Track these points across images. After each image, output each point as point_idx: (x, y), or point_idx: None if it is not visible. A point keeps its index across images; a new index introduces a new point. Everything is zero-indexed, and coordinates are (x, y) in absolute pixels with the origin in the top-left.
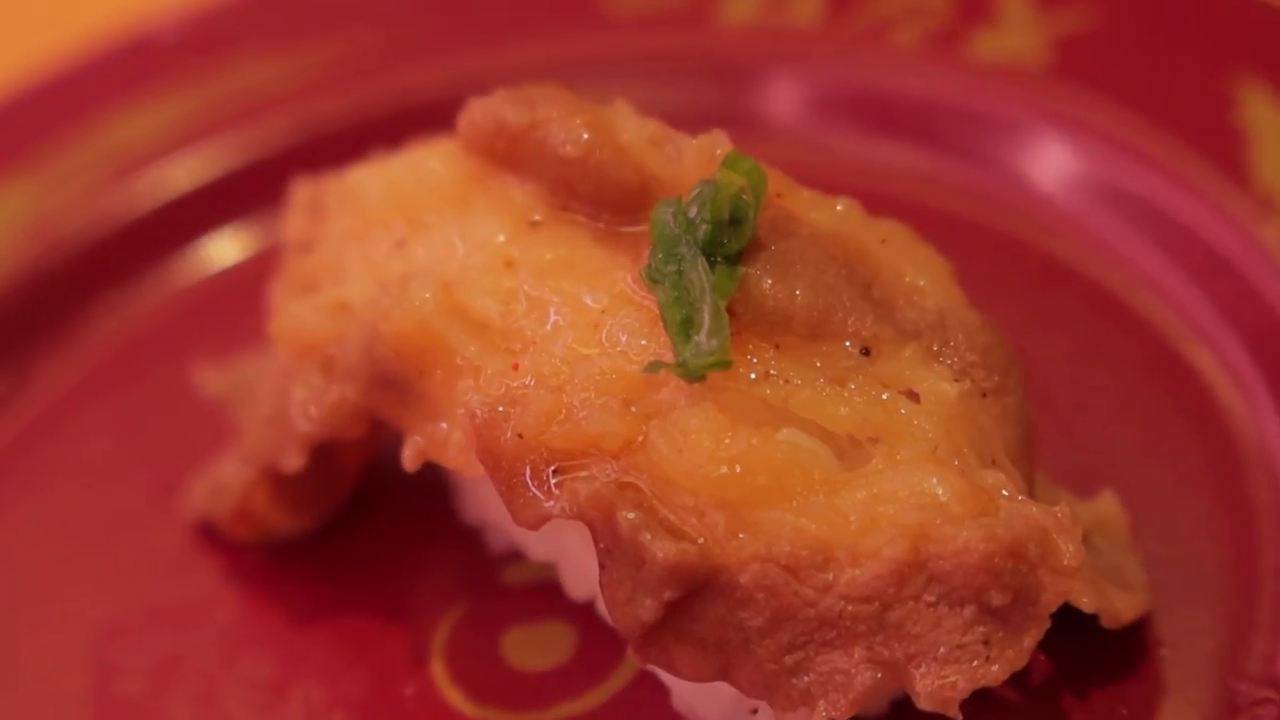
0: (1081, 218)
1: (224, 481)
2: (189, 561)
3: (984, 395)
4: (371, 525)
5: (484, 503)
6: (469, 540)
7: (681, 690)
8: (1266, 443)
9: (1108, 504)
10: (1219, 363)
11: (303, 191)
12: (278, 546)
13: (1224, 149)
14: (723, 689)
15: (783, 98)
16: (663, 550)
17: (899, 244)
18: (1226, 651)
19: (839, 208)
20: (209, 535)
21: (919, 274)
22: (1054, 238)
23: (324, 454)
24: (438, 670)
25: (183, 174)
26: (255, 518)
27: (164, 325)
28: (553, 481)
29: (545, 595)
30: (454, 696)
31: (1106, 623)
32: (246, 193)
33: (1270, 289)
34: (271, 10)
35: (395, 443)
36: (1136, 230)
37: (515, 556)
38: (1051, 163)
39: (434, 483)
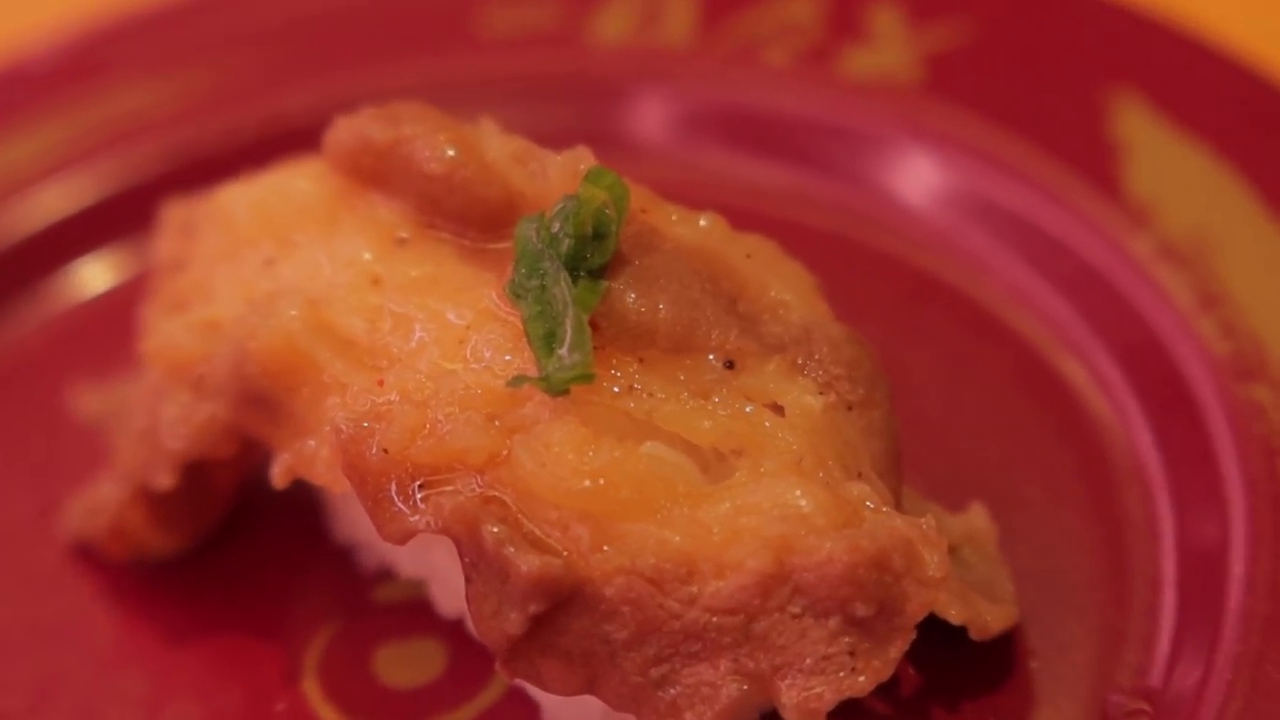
0: (952, 233)
1: (98, 501)
2: (65, 581)
3: (849, 408)
4: (246, 544)
5: (355, 521)
6: (341, 559)
7: (551, 706)
8: (1137, 454)
9: (977, 517)
10: (1090, 375)
11: (174, 212)
12: (153, 566)
13: (1096, 162)
14: (592, 703)
15: (652, 116)
16: (527, 563)
17: (764, 258)
18: (1098, 663)
19: (703, 223)
20: (85, 555)
21: (784, 288)
22: (925, 253)
23: (197, 473)
24: (310, 688)
25: (55, 200)
26: (129, 537)
27: (40, 349)
28: (418, 496)
29: (416, 612)
30: (326, 714)
31: (975, 634)
32: (120, 217)
33: (1141, 301)
34: (144, 36)
35: (268, 462)
36: (1007, 244)
37: (387, 574)
38: (922, 178)
39: (307, 501)
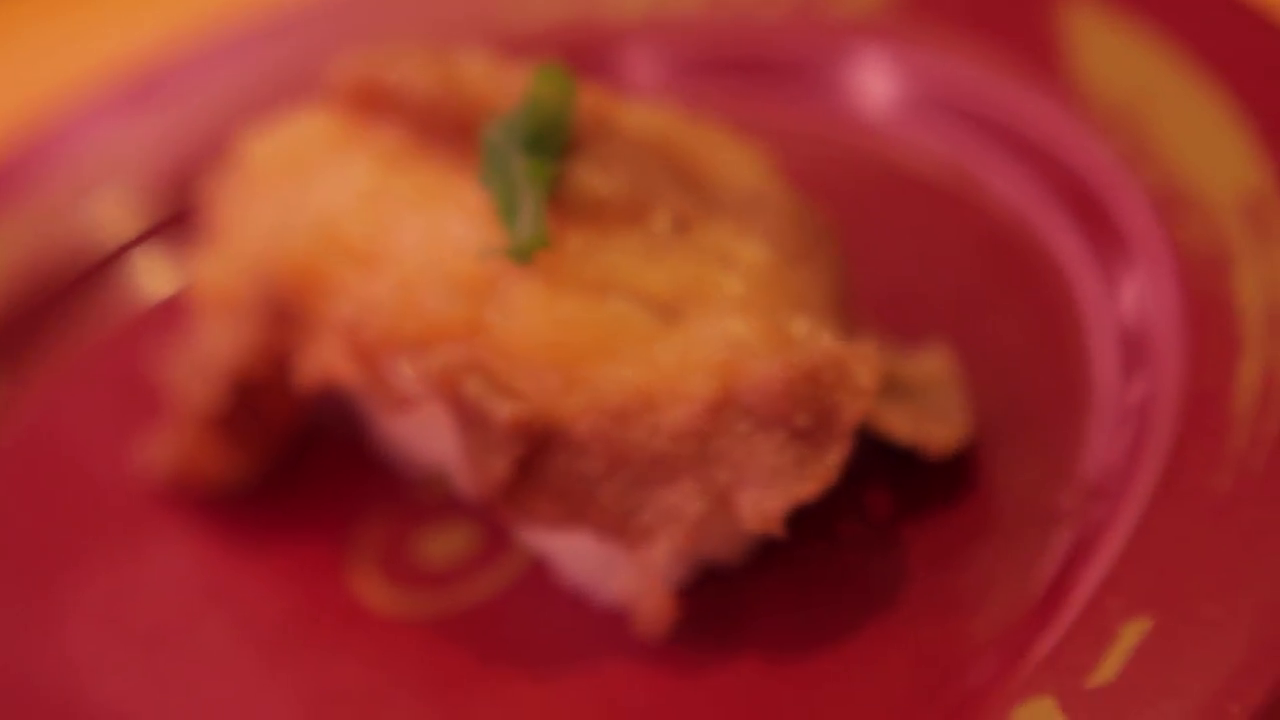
0: (920, 130)
1: (167, 438)
2: (144, 517)
3: (796, 259)
4: (304, 472)
5: (396, 431)
6: (385, 472)
7: (563, 563)
8: (1080, 296)
9: (936, 352)
10: (1045, 227)
11: (221, 179)
12: (223, 498)
13: (1044, 53)
14: (594, 553)
15: (638, 68)
16: (502, 411)
17: (719, 140)
18: (1047, 473)
19: (657, 115)
20: (162, 494)
21: (739, 164)
22: (897, 159)
23: (250, 406)
24: (360, 577)
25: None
26: (198, 467)
27: (129, 340)
28: (408, 368)
29: (451, 504)
30: (374, 596)
31: (929, 453)
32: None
33: (1082, 163)
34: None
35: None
36: (970, 135)
37: (424, 479)
38: (888, 86)
39: (355, 429)
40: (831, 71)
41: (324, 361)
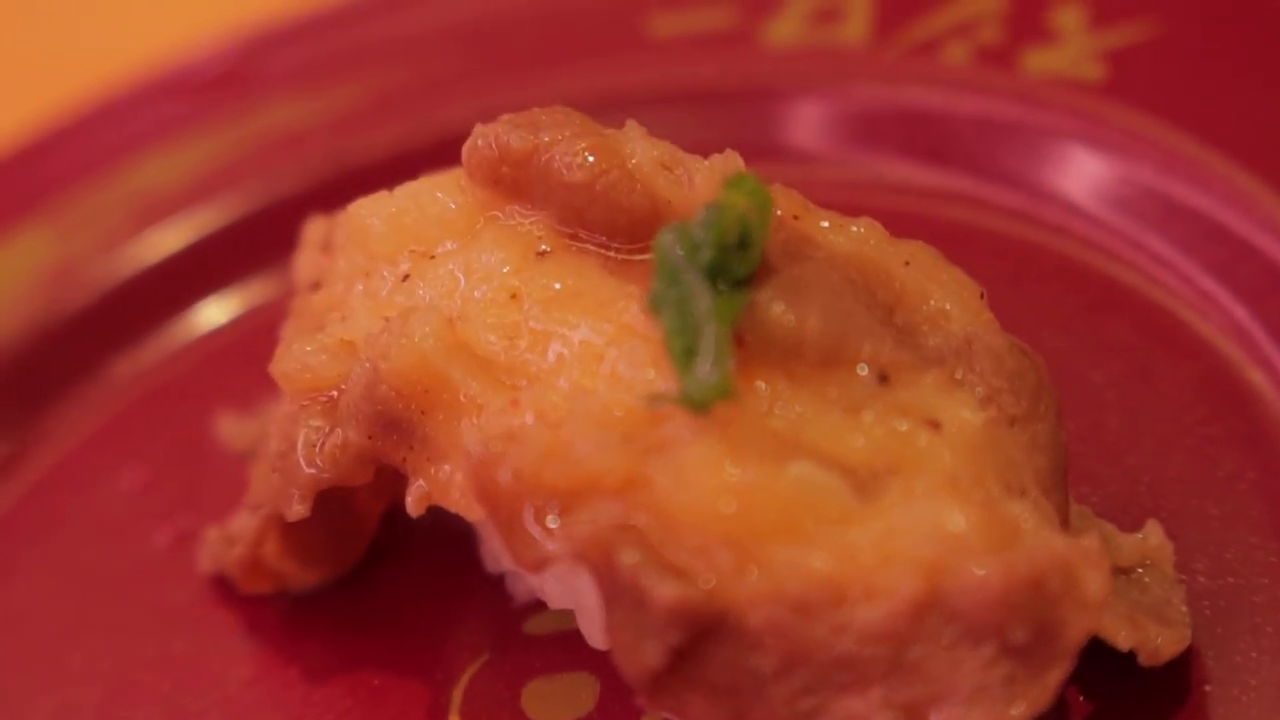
0: (1133, 238)
1: (235, 532)
2: (203, 615)
3: (1011, 423)
4: (392, 576)
5: (504, 551)
6: (491, 590)
7: None
8: None
9: (1152, 535)
10: (1275, 385)
11: (315, 229)
12: (294, 599)
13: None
14: None
15: (817, 122)
16: (664, 592)
17: (924, 266)
18: (1275, 687)
19: (857, 229)
20: (224, 589)
21: (944, 297)
22: (1105, 260)
23: (339, 501)
24: None
25: (204, 217)
26: (267, 568)
27: (186, 373)
28: (552, 523)
29: (567, 645)
30: None
31: (1145, 660)
32: (274, 235)
33: None
34: (299, 48)
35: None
36: (1189, 250)
37: (538, 606)
38: (1101, 181)
39: (457, 531)
40: (1027, 143)
41: (444, 491)
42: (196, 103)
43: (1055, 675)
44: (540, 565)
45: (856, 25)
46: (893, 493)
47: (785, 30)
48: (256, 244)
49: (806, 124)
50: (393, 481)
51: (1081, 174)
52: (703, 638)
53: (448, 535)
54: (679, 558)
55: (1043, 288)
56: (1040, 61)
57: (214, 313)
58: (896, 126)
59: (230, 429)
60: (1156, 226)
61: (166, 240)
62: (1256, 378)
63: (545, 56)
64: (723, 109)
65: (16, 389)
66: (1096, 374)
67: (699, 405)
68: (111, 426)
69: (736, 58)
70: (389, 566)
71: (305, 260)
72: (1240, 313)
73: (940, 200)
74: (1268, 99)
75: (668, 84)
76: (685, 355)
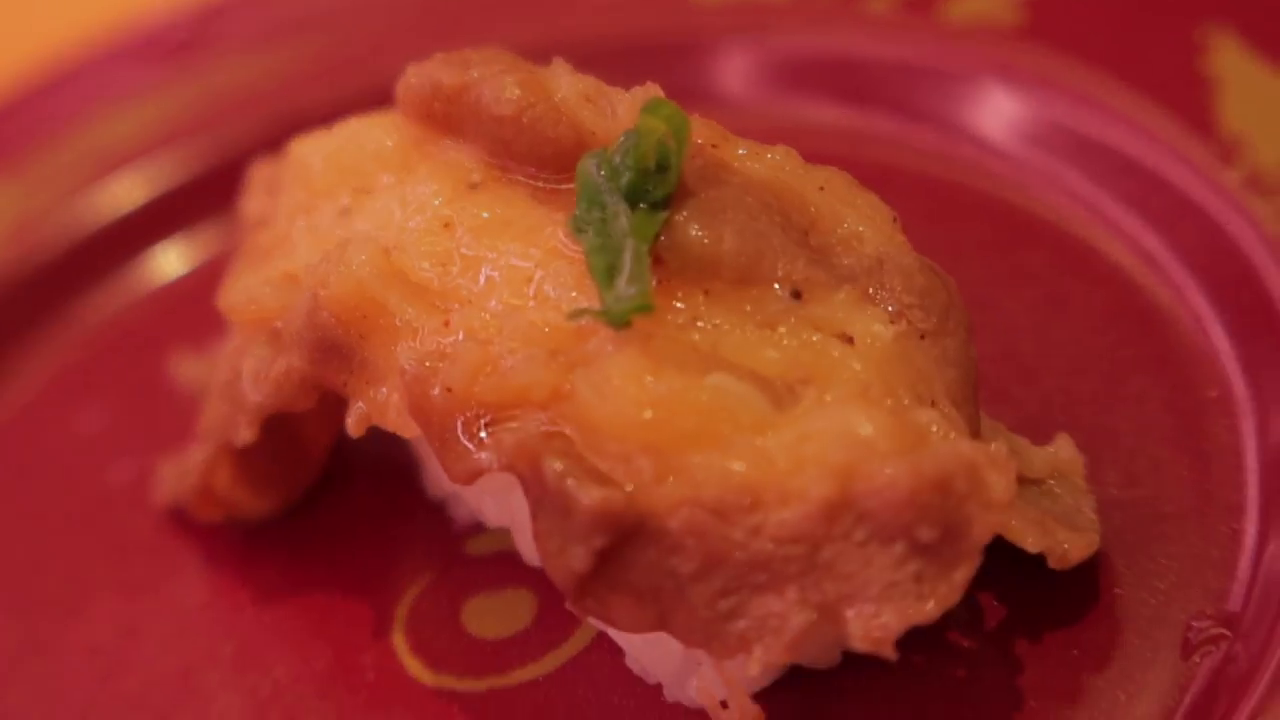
0: (1048, 172)
1: (188, 462)
2: (159, 545)
3: (921, 337)
4: (340, 505)
5: (438, 465)
6: (433, 514)
7: (634, 650)
8: (1226, 383)
9: (1063, 448)
10: (1182, 307)
11: (260, 172)
12: (248, 529)
13: (1189, 98)
14: (672, 647)
15: (741, 69)
16: (588, 497)
17: (838, 191)
18: (1180, 590)
19: (773, 156)
20: (180, 521)
21: (858, 220)
22: (1021, 193)
23: (286, 431)
24: (399, 641)
25: (159, 172)
26: (219, 497)
27: (145, 319)
28: (483, 434)
29: (506, 563)
30: (413, 665)
31: (1054, 563)
32: (227, 188)
33: (1232, 232)
34: (250, 10)
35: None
36: (1102, 182)
37: (478, 527)
38: (1017, 119)
39: (401, 463)
40: (949, 86)
41: (381, 412)
42: (152, 63)
43: (962, 572)
44: (472, 476)
45: None
46: (806, 402)
47: None
48: (211, 196)
49: (732, 71)
50: (338, 412)
51: (996, 112)
52: (625, 542)
53: (393, 466)
54: (602, 465)
55: (961, 223)
56: (959, 8)
57: (171, 262)
58: (819, 73)
59: (186, 370)
60: (1070, 161)
61: (125, 193)
62: (1166, 301)
63: (485, 11)
64: (650, 59)
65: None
66: (1012, 301)
67: (620, 319)
68: (73, 371)
69: (665, 9)
70: (337, 496)
71: (251, 201)
72: (1148, 239)
73: (861, 141)
74: (1175, 36)
75: (597, 35)
76: (606, 272)
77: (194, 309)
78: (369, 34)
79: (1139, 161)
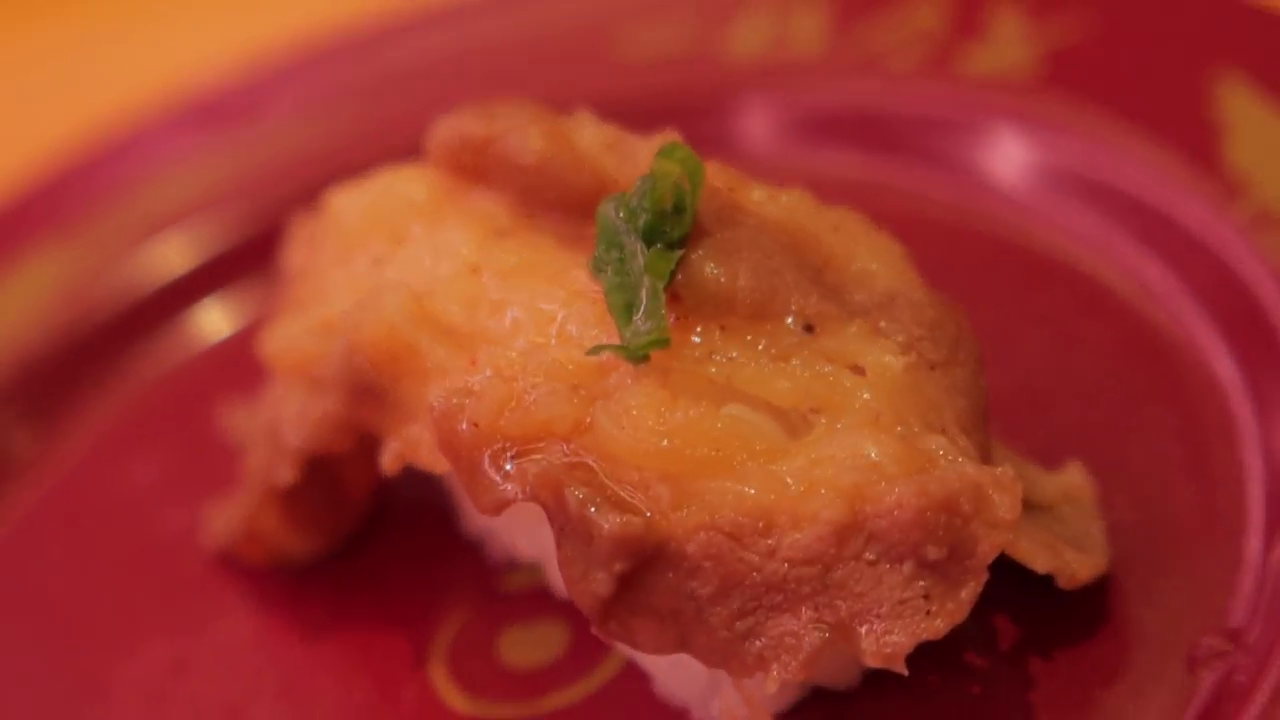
0: (1064, 216)
1: (234, 507)
2: (209, 587)
3: (931, 368)
4: (381, 546)
5: (467, 498)
6: (470, 554)
7: (661, 675)
8: (1230, 413)
9: (1074, 474)
10: (1190, 341)
11: (301, 225)
12: (294, 571)
13: (1198, 140)
14: (696, 669)
15: (765, 124)
16: (609, 523)
17: (851, 230)
18: (1187, 609)
19: (787, 199)
20: (229, 565)
21: (870, 258)
22: (1037, 237)
23: (328, 476)
24: (437, 673)
25: (211, 236)
26: (264, 540)
27: (195, 376)
28: (508, 466)
29: (540, 597)
30: (451, 695)
31: (1063, 583)
32: (273, 250)
33: (1239, 268)
34: (297, 79)
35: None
36: (1115, 224)
37: (512, 564)
38: (1030, 165)
39: (440, 508)
40: (965, 136)
41: (413, 449)
42: (199, 132)
43: (969, 590)
44: (499, 507)
45: (808, 35)
46: (818, 430)
47: (746, 45)
48: (255, 258)
49: (754, 125)
50: (377, 455)
51: (1011, 160)
52: (645, 566)
53: (432, 509)
54: (622, 492)
55: (976, 265)
56: (977, 62)
57: (217, 321)
58: (839, 125)
59: (233, 421)
60: (1082, 203)
61: (174, 256)
62: (1175, 334)
63: (522, 76)
64: (675, 112)
65: (42, 393)
66: (1026, 338)
67: (637, 354)
68: (126, 424)
69: (692, 64)
70: (379, 538)
71: (292, 254)
72: (1159, 276)
73: (878, 190)
74: (1183, 82)
75: (625, 90)
76: (625, 309)
77: (241, 365)
78: (407, 98)
79: (1148, 201)
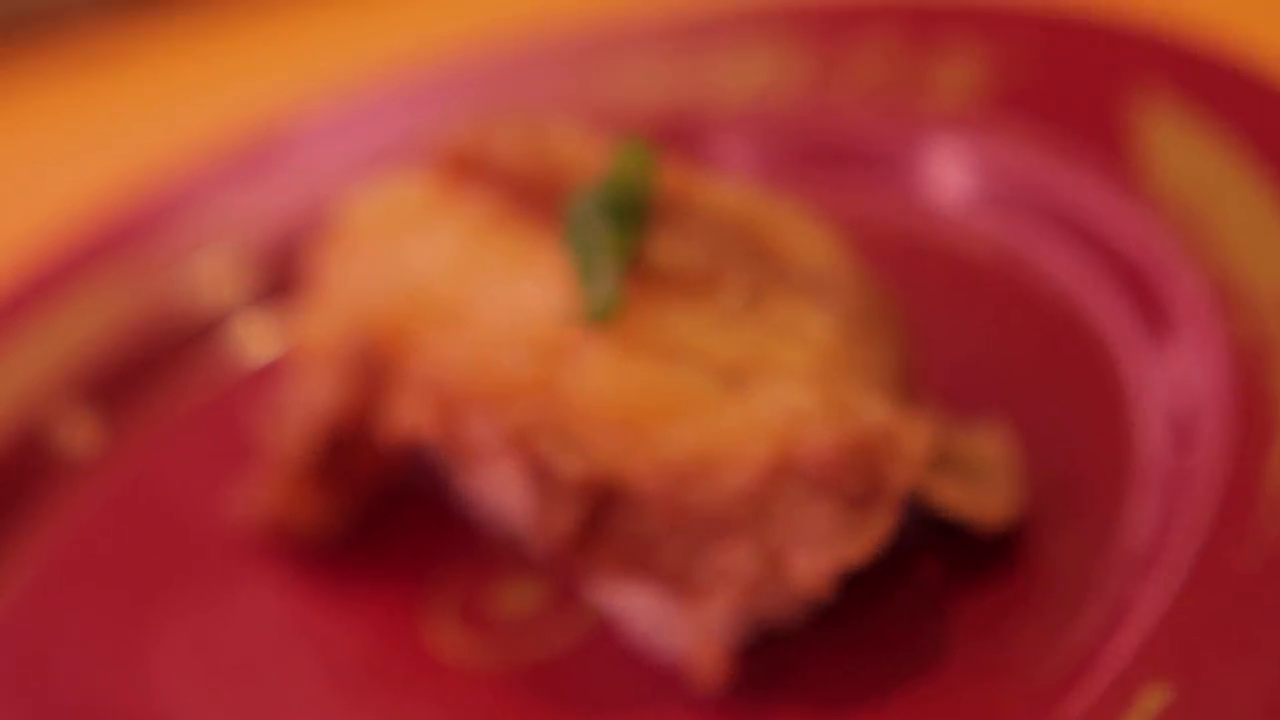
0: (1001, 224)
1: (252, 487)
2: (231, 564)
3: (860, 337)
4: (391, 521)
5: (450, 459)
6: (467, 525)
7: (636, 618)
8: (1129, 382)
9: (992, 434)
10: (1104, 314)
11: (325, 235)
12: (308, 546)
13: (1123, 154)
14: (653, 613)
15: (732, 148)
16: (572, 468)
17: (791, 219)
18: (1093, 546)
19: (735, 192)
20: (253, 544)
21: (808, 242)
22: (967, 244)
23: (341, 457)
24: (432, 625)
25: (251, 267)
26: (284, 515)
27: (241, 394)
28: (483, 425)
29: (526, 558)
30: (445, 645)
31: (979, 531)
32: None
33: (1151, 266)
34: (332, 132)
35: (409, 458)
36: (1043, 233)
37: (500, 524)
38: (970, 184)
39: (445, 481)
40: (910, 162)
41: (407, 416)
42: (238, 177)
43: (884, 519)
44: (475, 465)
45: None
46: (754, 386)
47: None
48: (294, 289)
49: (722, 151)
50: (380, 439)
51: (954, 179)
52: (605, 507)
53: (437, 487)
54: (584, 442)
55: (910, 266)
56: (932, 99)
57: (263, 347)
58: (803, 159)
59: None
60: (1017, 213)
61: (218, 287)
62: (1100, 325)
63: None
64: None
65: (105, 399)
66: (956, 325)
67: (596, 317)
68: (174, 440)
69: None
70: (386, 517)
71: (317, 257)
72: (1081, 267)
73: (829, 206)
74: (1110, 102)
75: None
76: (586, 279)
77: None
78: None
79: (1090, 228)
